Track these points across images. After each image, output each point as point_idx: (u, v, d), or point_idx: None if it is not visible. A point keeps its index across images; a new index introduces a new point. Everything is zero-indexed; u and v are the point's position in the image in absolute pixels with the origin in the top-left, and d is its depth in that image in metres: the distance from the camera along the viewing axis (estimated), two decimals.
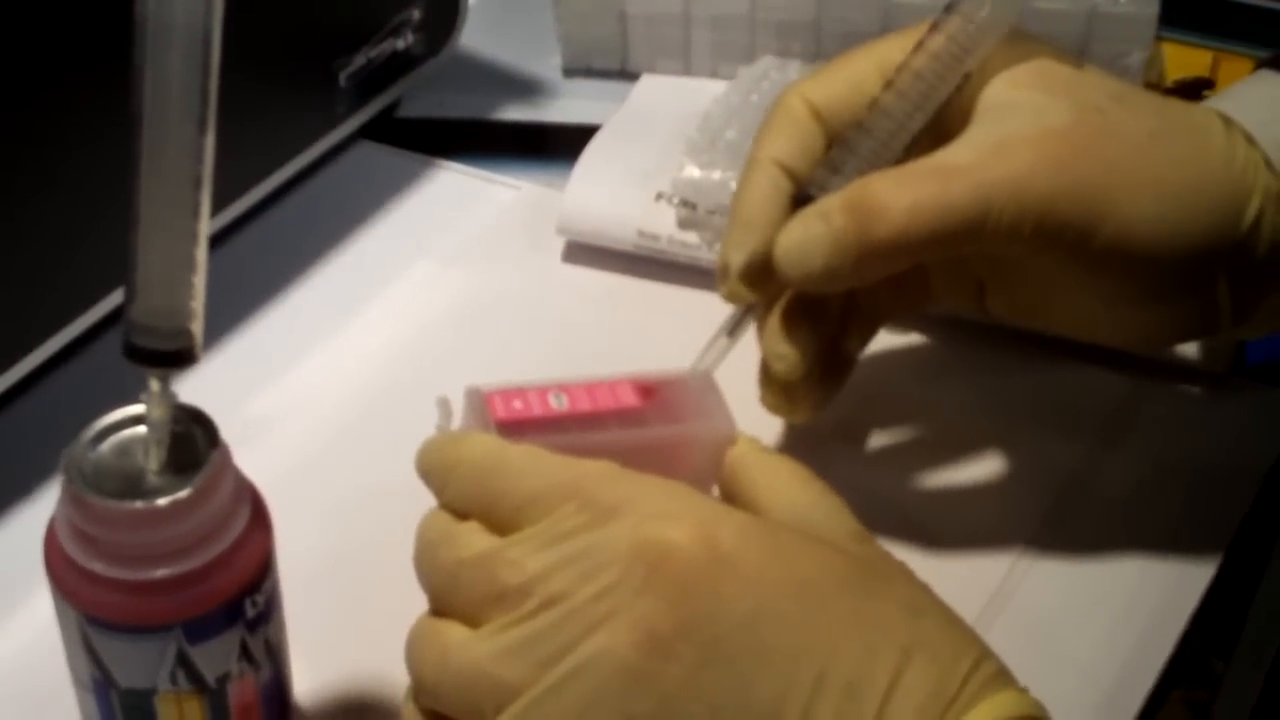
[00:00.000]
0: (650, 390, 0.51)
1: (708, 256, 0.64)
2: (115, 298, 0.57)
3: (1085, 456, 0.58)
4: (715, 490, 0.50)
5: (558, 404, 0.50)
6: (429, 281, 0.65)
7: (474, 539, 0.44)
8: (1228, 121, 0.51)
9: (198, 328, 0.41)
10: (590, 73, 0.77)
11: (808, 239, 0.50)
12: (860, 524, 0.45)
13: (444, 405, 0.52)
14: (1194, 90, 0.77)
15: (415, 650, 0.44)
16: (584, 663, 0.40)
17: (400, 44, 0.68)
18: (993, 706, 0.40)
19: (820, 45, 0.73)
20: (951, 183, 0.49)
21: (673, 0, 0.73)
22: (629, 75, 0.76)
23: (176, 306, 0.41)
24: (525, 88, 0.76)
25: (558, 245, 0.66)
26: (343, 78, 0.65)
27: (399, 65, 0.69)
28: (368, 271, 0.65)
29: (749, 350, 0.54)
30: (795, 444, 0.57)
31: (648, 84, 0.75)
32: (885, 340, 0.60)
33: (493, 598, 0.42)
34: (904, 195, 0.49)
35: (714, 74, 0.75)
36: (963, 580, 0.49)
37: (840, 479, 0.46)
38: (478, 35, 0.76)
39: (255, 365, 0.60)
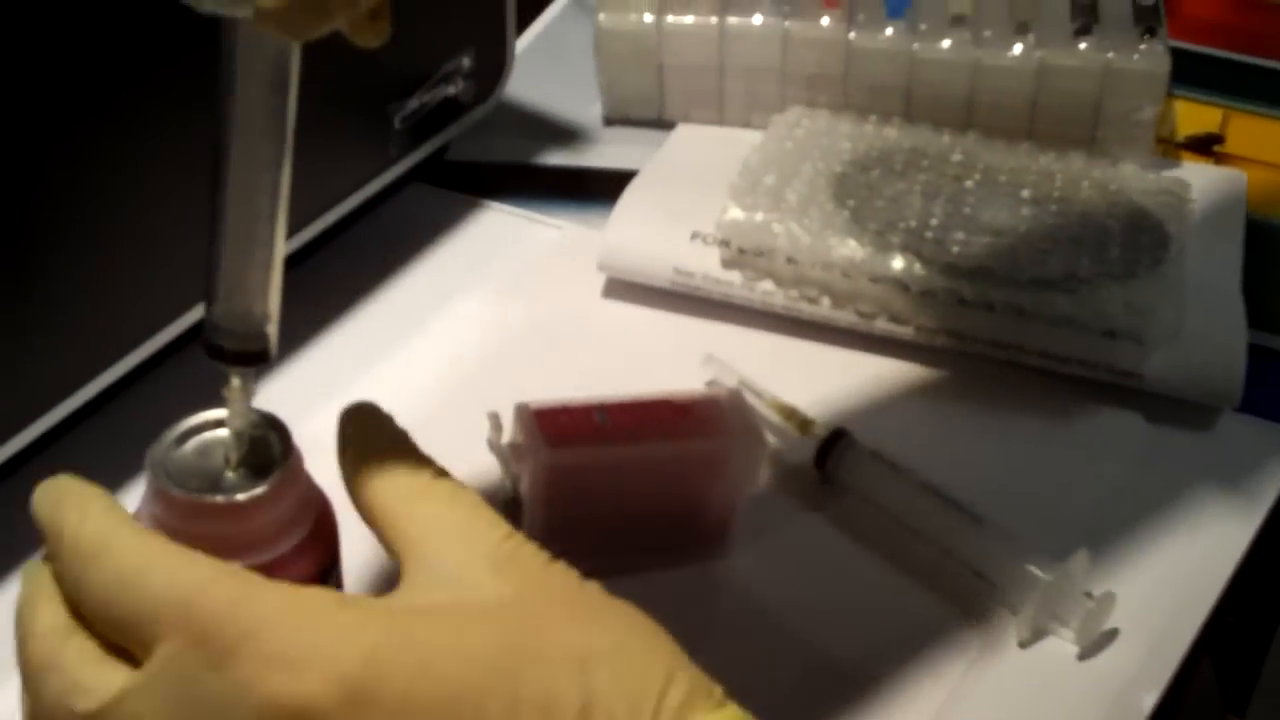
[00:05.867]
0: (685, 408, 0.55)
1: (741, 293, 0.67)
2: (192, 315, 0.61)
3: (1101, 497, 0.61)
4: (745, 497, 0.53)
5: (600, 420, 0.54)
6: (477, 312, 0.69)
7: (97, 682, 0.39)
8: None
9: (273, 330, 0.44)
10: (628, 121, 0.80)
11: None
12: (505, 530, 0.41)
13: (494, 419, 0.56)
14: (1205, 145, 0.80)
15: None
16: None
17: (451, 90, 0.72)
18: None
19: (847, 97, 0.76)
20: None
21: (708, 53, 0.77)
22: (665, 124, 0.79)
23: (254, 309, 0.43)
24: (567, 134, 0.80)
25: (598, 281, 0.70)
26: (397, 121, 0.69)
27: (449, 111, 0.73)
28: (420, 301, 0.69)
29: None
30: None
31: (683, 132, 0.78)
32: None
33: None
34: None
35: (746, 123, 0.78)
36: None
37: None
38: (523, 84, 0.79)
39: (314, 386, 0.63)
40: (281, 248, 0.43)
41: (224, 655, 0.38)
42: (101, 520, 0.41)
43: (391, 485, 0.42)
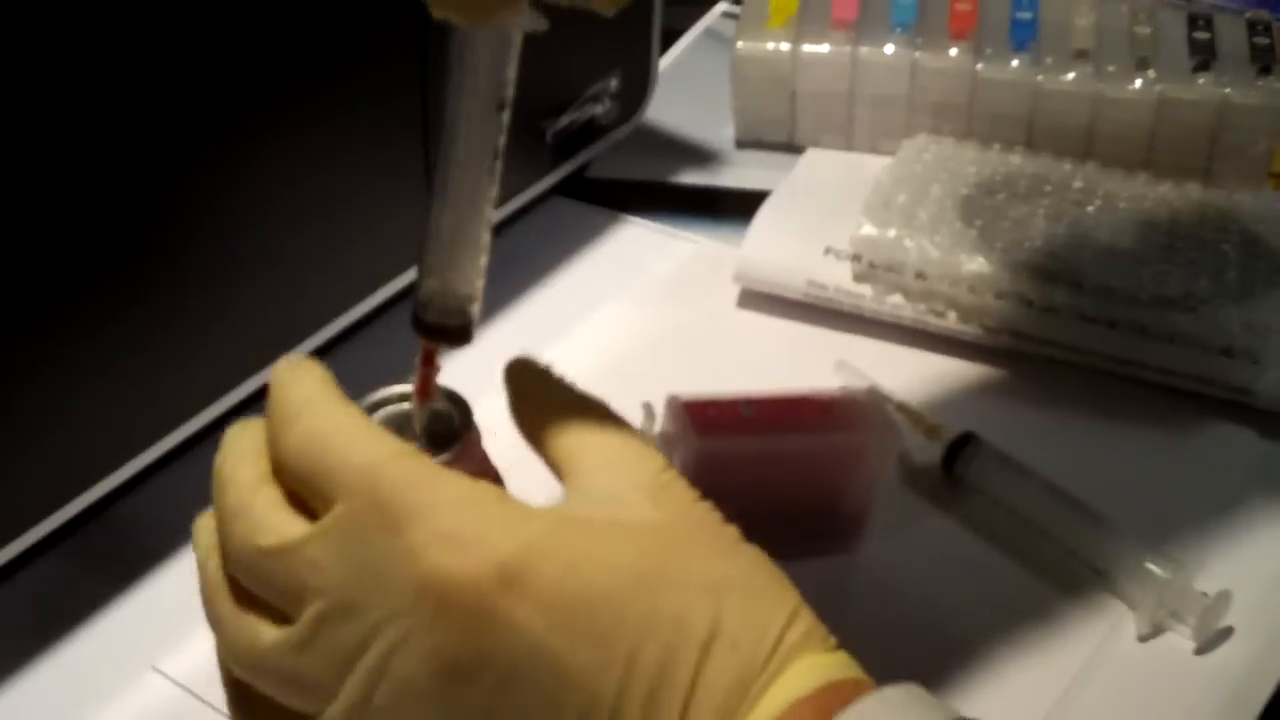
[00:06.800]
0: (826, 404, 0.58)
1: (871, 305, 0.71)
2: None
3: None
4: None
5: (747, 412, 0.58)
6: (619, 318, 0.72)
7: (280, 528, 0.43)
8: None
9: (476, 309, 0.47)
10: (760, 144, 0.84)
11: None
12: (662, 463, 0.44)
13: (648, 409, 0.60)
14: None
15: (227, 640, 0.44)
16: (391, 687, 0.41)
17: (598, 110, 0.76)
18: (792, 679, 0.40)
19: (971, 125, 0.80)
20: None
21: (839, 81, 0.80)
22: (794, 147, 0.83)
23: (461, 287, 0.46)
24: (702, 155, 0.84)
25: (733, 292, 0.74)
26: (549, 135, 0.74)
27: (595, 130, 0.77)
28: (565, 308, 0.73)
29: None
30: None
31: (812, 156, 0.82)
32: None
33: (294, 596, 0.42)
34: None
35: (873, 149, 0.82)
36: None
37: None
38: (661, 108, 0.83)
39: (468, 382, 0.67)
40: (488, 236, 0.46)
41: (397, 522, 0.41)
42: (311, 386, 0.44)
43: (560, 418, 0.45)
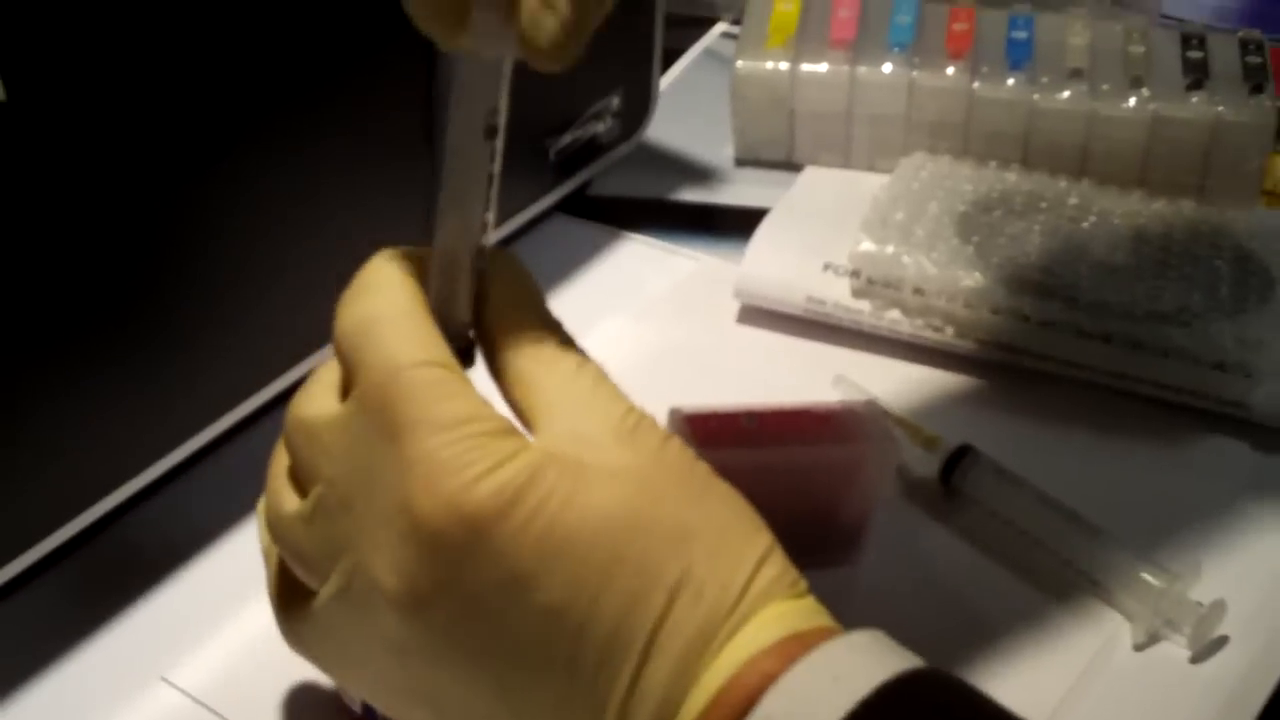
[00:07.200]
0: (826, 417, 0.59)
1: (869, 321, 0.72)
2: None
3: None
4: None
5: (748, 424, 0.58)
6: (621, 333, 0.73)
7: (319, 402, 0.45)
8: None
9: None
10: (758, 162, 0.85)
11: None
12: (629, 405, 0.43)
13: None
14: None
15: (267, 499, 0.46)
16: (363, 587, 0.42)
17: (600, 128, 0.77)
18: (757, 629, 0.40)
19: (968, 144, 0.81)
20: None
21: (838, 100, 0.82)
22: (793, 165, 0.84)
23: (458, 313, 0.46)
24: (702, 173, 0.85)
25: (733, 308, 0.75)
26: (552, 153, 0.75)
27: (596, 148, 0.78)
28: (567, 324, 0.73)
29: None
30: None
31: (811, 174, 0.83)
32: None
33: (309, 473, 0.44)
34: None
35: (870, 167, 0.83)
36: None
37: None
38: (661, 126, 0.84)
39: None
40: (484, 261, 0.47)
41: (397, 431, 0.41)
42: (388, 275, 0.45)
43: (526, 352, 0.45)
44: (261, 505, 0.48)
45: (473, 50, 0.43)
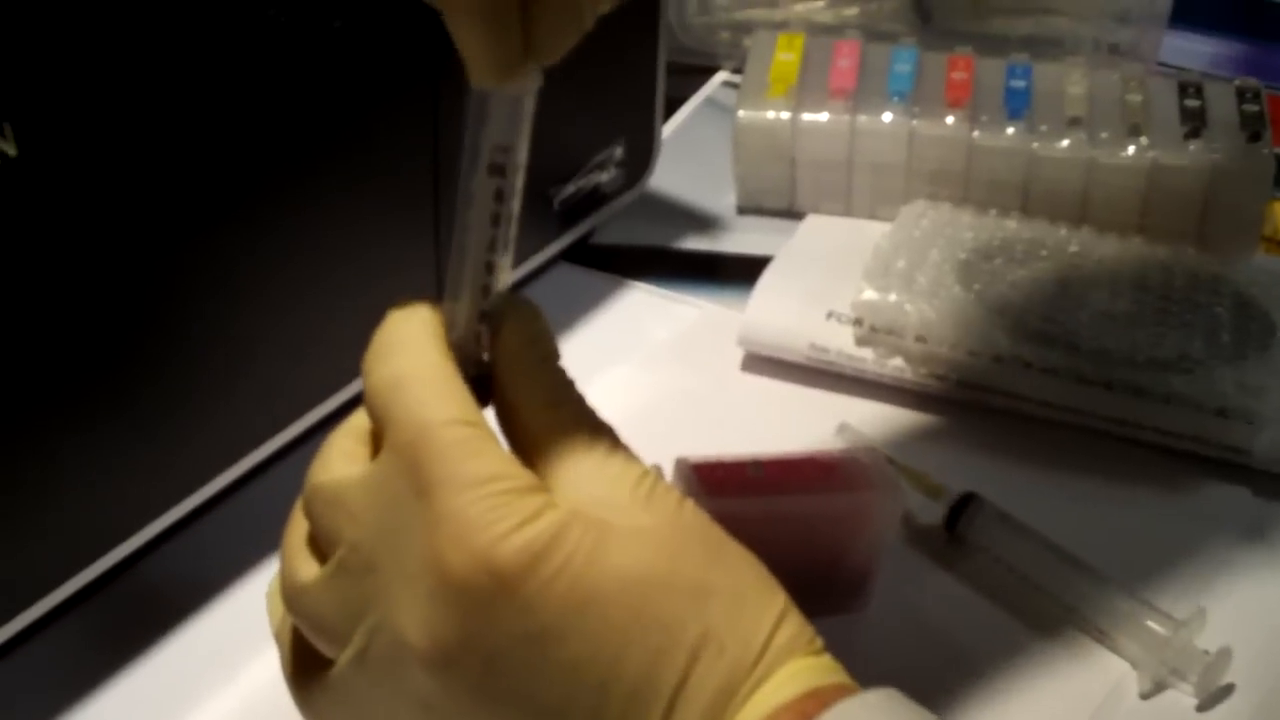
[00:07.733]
0: (832, 465, 0.60)
1: (873, 369, 0.72)
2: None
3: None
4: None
5: (754, 473, 0.59)
6: (625, 382, 0.74)
7: (337, 466, 0.45)
8: None
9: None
10: (760, 210, 0.85)
11: None
12: (643, 469, 0.44)
13: (657, 470, 0.61)
14: None
15: (281, 569, 0.46)
16: (386, 649, 0.42)
17: (604, 177, 0.78)
18: (777, 685, 0.41)
19: (968, 191, 0.81)
20: None
21: (838, 149, 0.82)
22: (794, 214, 0.84)
23: (470, 350, 0.46)
24: (704, 221, 0.85)
25: (736, 356, 0.75)
26: (556, 203, 0.75)
27: (600, 197, 0.79)
28: (571, 372, 0.74)
29: None
30: None
31: (812, 222, 0.84)
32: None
33: (331, 538, 0.44)
34: None
35: (871, 215, 0.83)
36: None
37: None
38: (663, 175, 0.85)
39: None
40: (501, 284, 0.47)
41: (426, 489, 0.42)
42: (413, 329, 0.45)
43: (536, 402, 0.45)
44: (271, 587, 0.48)
45: (502, 88, 0.43)
